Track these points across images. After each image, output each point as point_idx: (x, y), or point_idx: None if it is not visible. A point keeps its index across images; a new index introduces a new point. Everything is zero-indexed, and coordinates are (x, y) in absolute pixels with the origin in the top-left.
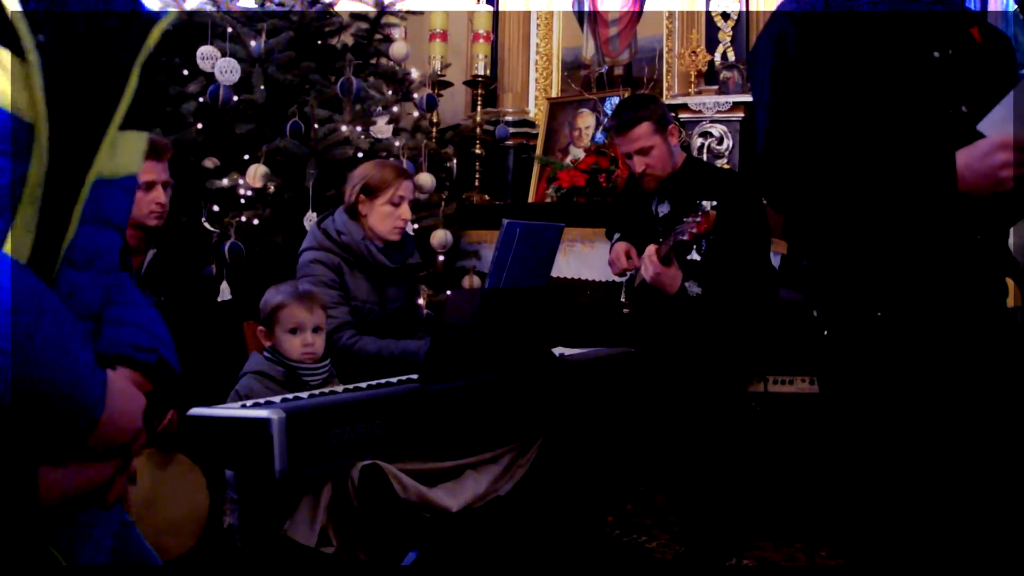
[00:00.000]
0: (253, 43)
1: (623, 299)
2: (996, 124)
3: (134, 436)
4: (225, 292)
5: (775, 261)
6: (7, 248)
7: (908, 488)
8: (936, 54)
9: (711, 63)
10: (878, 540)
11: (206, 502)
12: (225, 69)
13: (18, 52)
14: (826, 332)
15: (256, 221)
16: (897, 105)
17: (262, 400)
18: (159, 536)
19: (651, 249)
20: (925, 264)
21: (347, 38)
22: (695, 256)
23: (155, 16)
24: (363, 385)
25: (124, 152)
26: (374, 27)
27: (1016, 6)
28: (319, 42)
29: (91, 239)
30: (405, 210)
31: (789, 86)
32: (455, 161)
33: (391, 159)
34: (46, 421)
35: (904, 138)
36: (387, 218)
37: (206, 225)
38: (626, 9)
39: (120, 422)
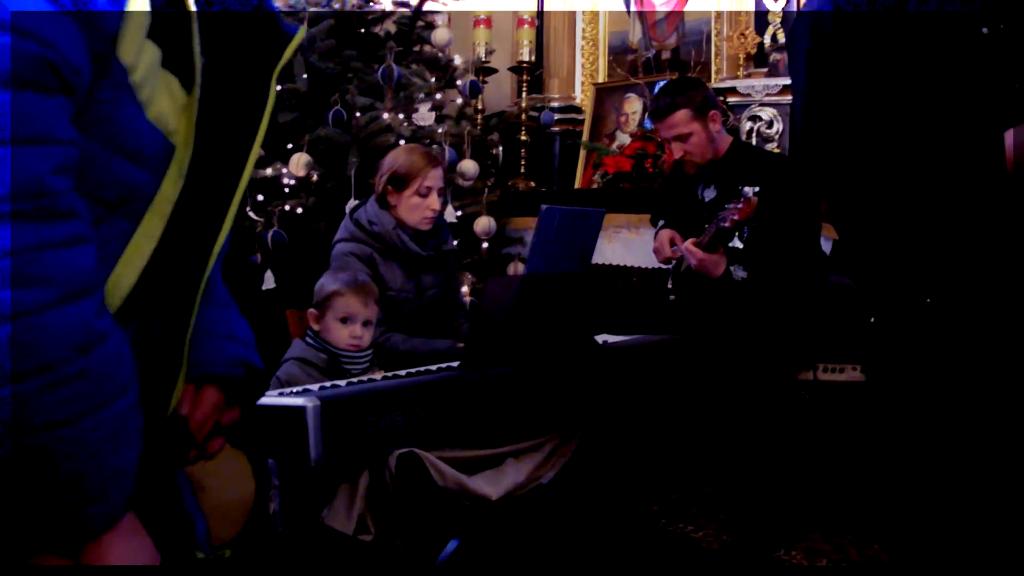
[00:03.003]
0: None
1: (669, 286)
2: None
3: None
4: (269, 280)
5: (826, 246)
6: (129, 248)
7: (956, 480)
8: (985, 30)
9: (760, 45)
10: (927, 533)
11: (251, 488)
12: None
13: (187, 84)
14: (872, 319)
15: (299, 210)
16: (942, 84)
17: (300, 388)
18: (209, 520)
19: (690, 242)
20: (976, 249)
21: (389, 26)
22: (737, 243)
23: (291, 31)
24: (402, 373)
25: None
26: (417, 14)
27: None
28: (361, 30)
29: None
30: (434, 200)
31: (826, 66)
32: (500, 148)
33: (423, 144)
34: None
35: (950, 118)
36: (416, 209)
37: (250, 214)
38: None
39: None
